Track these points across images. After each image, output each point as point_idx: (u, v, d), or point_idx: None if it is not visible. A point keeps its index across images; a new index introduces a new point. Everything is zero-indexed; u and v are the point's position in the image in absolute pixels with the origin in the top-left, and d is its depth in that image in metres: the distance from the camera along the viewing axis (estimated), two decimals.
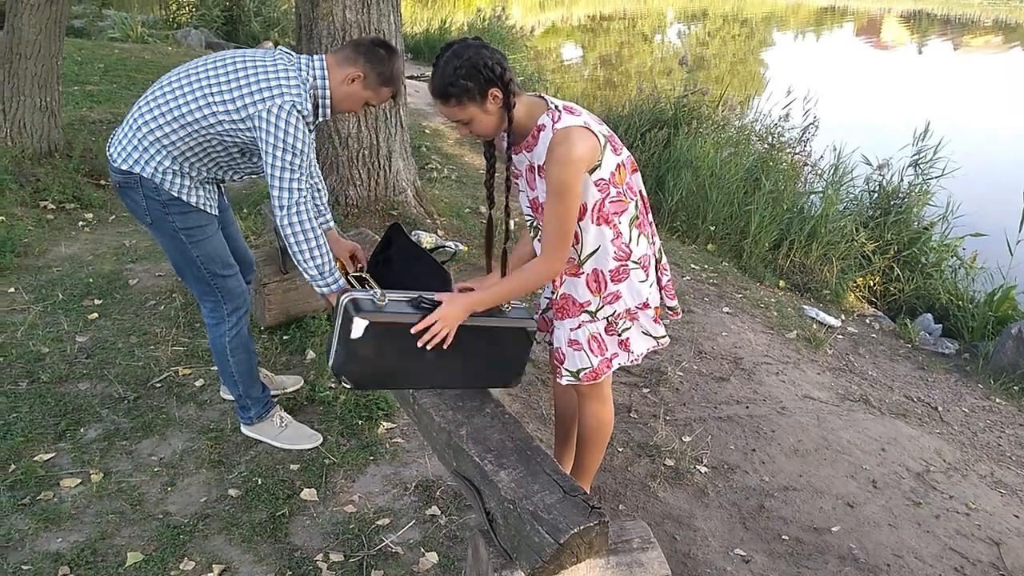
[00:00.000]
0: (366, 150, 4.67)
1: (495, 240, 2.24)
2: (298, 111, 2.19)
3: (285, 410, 2.94)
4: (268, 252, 3.56)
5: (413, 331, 1.95)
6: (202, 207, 2.46)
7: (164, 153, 2.31)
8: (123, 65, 8.65)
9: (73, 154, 5.41)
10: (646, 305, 2.12)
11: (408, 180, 4.95)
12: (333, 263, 2.31)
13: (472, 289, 2.12)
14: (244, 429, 2.84)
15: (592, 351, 2.13)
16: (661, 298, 2.20)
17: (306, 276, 2.29)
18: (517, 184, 2.16)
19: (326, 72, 2.29)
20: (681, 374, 3.70)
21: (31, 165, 5.15)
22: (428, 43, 13.16)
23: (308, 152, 2.25)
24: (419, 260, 2.52)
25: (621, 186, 2.00)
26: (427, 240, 4.55)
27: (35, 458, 2.64)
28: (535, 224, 2.14)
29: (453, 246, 4.61)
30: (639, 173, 2.10)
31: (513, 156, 2.09)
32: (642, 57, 18.39)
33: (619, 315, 2.11)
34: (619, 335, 2.13)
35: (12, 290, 3.82)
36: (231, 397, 3.03)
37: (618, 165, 1.98)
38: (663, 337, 2.20)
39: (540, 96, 2.00)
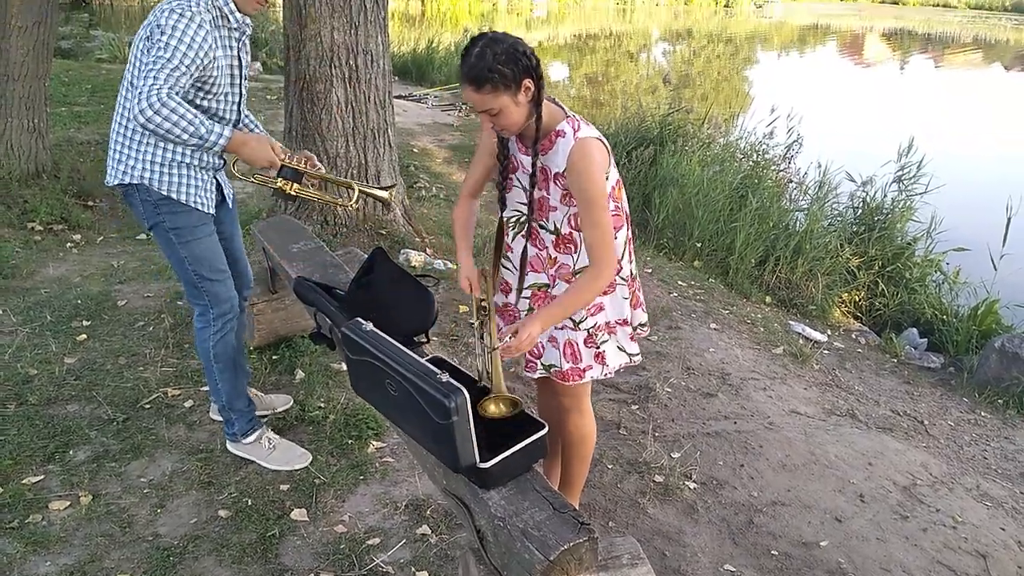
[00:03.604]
0: (354, 169, 4.69)
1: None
2: (180, 13, 2.21)
3: (274, 430, 2.93)
4: (256, 272, 3.56)
5: (501, 346, 1.96)
6: (195, 205, 2.47)
7: (147, 144, 2.36)
8: (111, 86, 8.67)
9: (61, 175, 5.41)
10: (626, 322, 2.16)
11: (396, 199, 4.97)
12: (209, 121, 2.27)
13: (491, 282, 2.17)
14: (230, 446, 2.84)
15: (565, 355, 2.16)
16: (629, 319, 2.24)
17: (194, 141, 2.26)
18: (512, 180, 2.14)
19: None
20: (669, 390, 3.73)
21: (18, 186, 5.15)
22: (416, 63, 13.27)
23: (198, 54, 2.23)
24: (401, 282, 2.53)
25: (619, 202, 2.05)
26: (416, 259, 4.57)
27: (23, 481, 2.62)
28: (521, 220, 2.13)
29: (441, 265, 4.63)
30: (624, 192, 2.14)
31: (519, 155, 2.08)
32: (628, 75, 18.57)
33: (599, 327, 2.13)
34: (596, 348, 2.15)
35: (0, 312, 3.80)
36: (220, 418, 3.03)
37: (617, 181, 2.04)
38: (636, 355, 2.23)
39: (555, 101, 2.01)
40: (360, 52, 4.51)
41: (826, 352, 4.68)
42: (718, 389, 3.82)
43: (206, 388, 3.14)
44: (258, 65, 12.35)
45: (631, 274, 2.18)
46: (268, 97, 9.44)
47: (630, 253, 2.16)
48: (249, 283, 2.95)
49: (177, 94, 2.21)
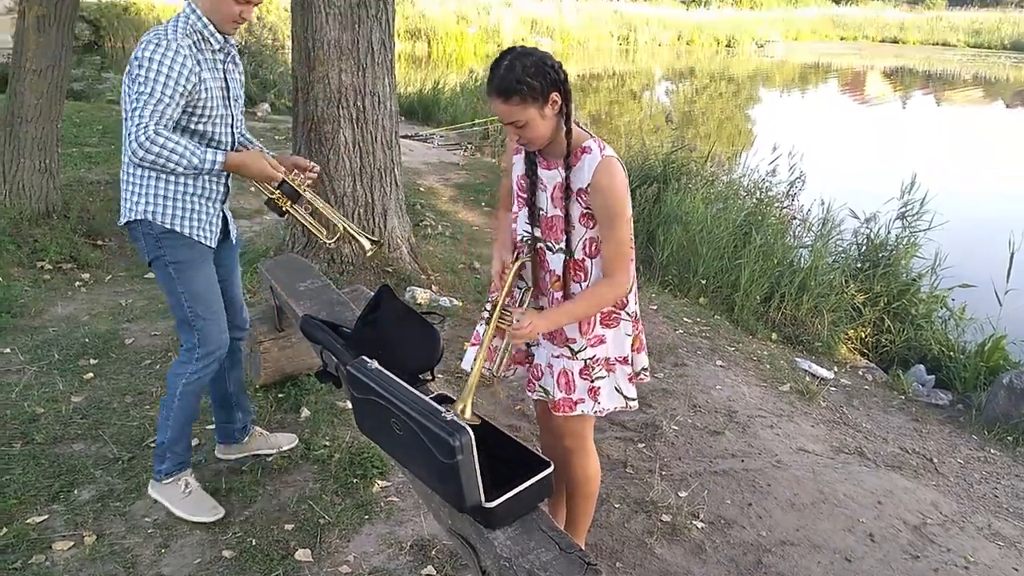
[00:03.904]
0: (361, 208, 4.74)
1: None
2: (156, 44, 2.24)
3: (280, 470, 2.93)
4: (263, 310, 3.59)
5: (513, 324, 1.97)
6: (197, 238, 2.50)
7: (150, 178, 2.39)
8: (121, 127, 8.78)
9: (71, 214, 5.47)
10: (626, 360, 2.15)
11: (403, 237, 5.01)
12: (200, 147, 2.32)
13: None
14: (151, 487, 2.74)
15: (559, 384, 2.15)
16: (631, 361, 2.23)
17: (191, 170, 2.32)
18: (521, 197, 2.16)
19: (194, 5, 2.36)
20: (676, 428, 3.71)
21: (29, 226, 5.21)
22: (422, 103, 13.44)
23: (178, 81, 2.26)
24: (406, 320, 2.54)
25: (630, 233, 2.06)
26: (421, 296, 4.59)
27: (27, 520, 2.62)
28: (527, 240, 2.14)
29: (447, 302, 4.65)
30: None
31: (541, 171, 2.09)
32: (631, 114, 18.75)
33: (598, 360, 2.12)
34: (591, 381, 2.13)
35: (8, 351, 3.82)
36: (228, 457, 3.03)
37: (629, 217, 2.05)
38: (633, 400, 2.19)
39: (577, 123, 2.04)
40: (367, 93, 4.58)
41: (833, 389, 4.66)
42: (725, 427, 3.80)
43: (211, 427, 3.14)
44: (266, 106, 12.53)
45: (636, 314, 2.19)
46: (276, 137, 9.56)
47: (635, 292, 2.17)
48: (244, 324, 2.92)
49: (165, 127, 2.26)
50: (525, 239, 2.17)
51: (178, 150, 2.25)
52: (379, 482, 2.98)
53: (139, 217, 2.43)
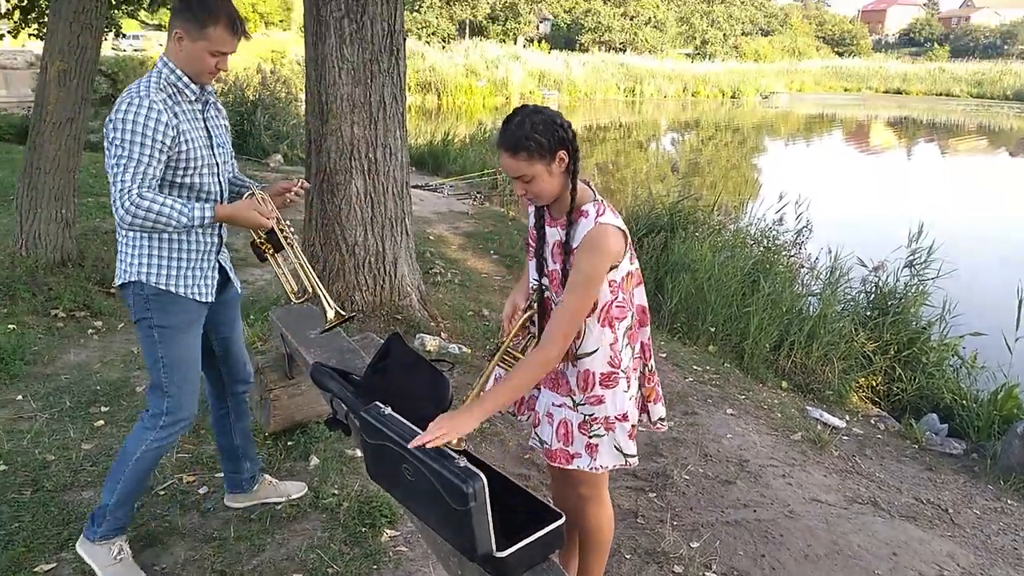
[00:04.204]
0: (372, 257, 4.79)
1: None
2: (129, 102, 2.22)
3: (289, 518, 2.91)
4: (274, 357, 3.61)
5: (411, 445, 1.86)
6: (193, 295, 2.46)
7: (143, 238, 2.37)
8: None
9: (85, 263, 5.55)
10: (625, 417, 2.14)
11: (413, 284, 5.05)
12: (187, 204, 2.30)
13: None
14: (80, 543, 2.60)
15: (557, 434, 2.16)
16: (648, 412, 2.25)
17: (181, 228, 2.31)
18: (531, 248, 2.21)
19: (167, 59, 2.34)
20: (687, 477, 3.68)
21: (44, 274, 5.28)
22: (432, 155, 13.64)
23: (155, 138, 2.23)
24: (416, 367, 2.55)
25: (627, 294, 2.08)
26: (431, 343, 4.61)
27: (35, 568, 2.61)
28: (536, 289, 2.19)
29: (456, 349, 4.66)
30: (643, 286, 2.17)
31: (547, 227, 2.14)
32: (638, 164, 18.97)
33: (596, 419, 2.12)
34: (589, 437, 2.14)
35: (20, 398, 3.85)
36: (237, 505, 3.02)
37: (629, 273, 2.08)
38: (632, 457, 2.18)
39: (588, 183, 2.09)
40: (379, 145, 4.67)
41: (845, 438, 4.62)
42: (736, 476, 3.77)
43: (220, 474, 3.14)
44: (279, 157, 12.75)
45: (646, 369, 2.21)
46: None
47: (644, 348, 2.19)
48: (248, 377, 2.87)
49: (149, 187, 2.24)
50: (535, 288, 2.21)
51: (164, 211, 2.24)
52: (388, 531, 2.96)
53: (132, 279, 2.40)
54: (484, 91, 32.62)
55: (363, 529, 2.95)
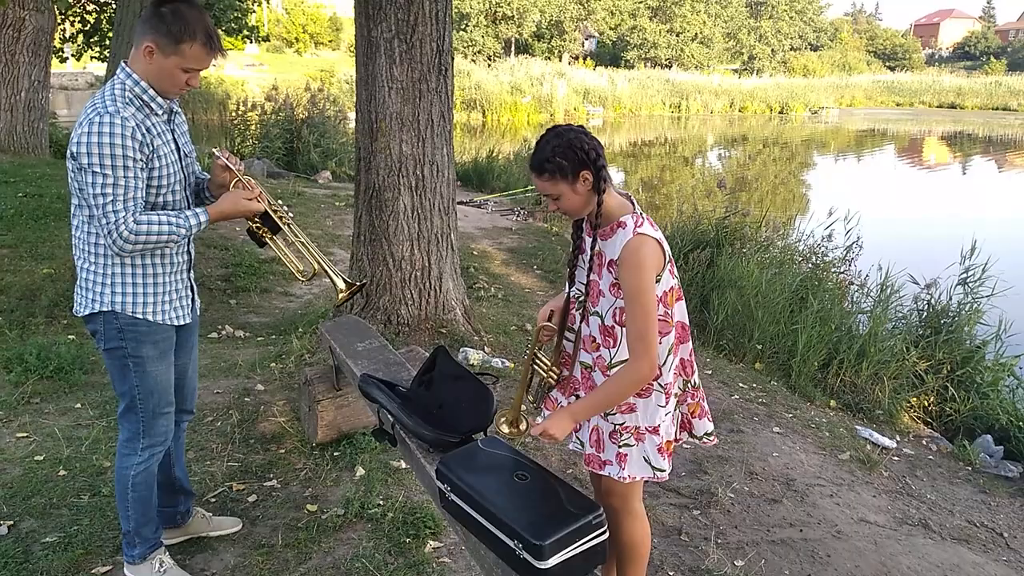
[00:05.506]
0: (418, 272, 4.87)
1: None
2: (98, 122, 2.10)
3: (334, 528, 2.96)
4: (322, 370, 3.68)
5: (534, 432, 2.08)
6: (170, 321, 2.40)
7: (114, 267, 2.27)
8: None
9: None
10: (656, 430, 2.14)
11: (457, 299, 5.11)
12: (180, 215, 2.26)
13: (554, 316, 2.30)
14: (126, 569, 2.60)
15: (590, 440, 2.20)
16: (691, 427, 2.26)
17: (181, 240, 2.29)
18: (579, 260, 2.26)
19: (130, 69, 2.21)
20: (732, 495, 3.64)
21: None
22: (476, 171, 13.78)
23: (130, 156, 2.13)
24: (461, 380, 2.59)
25: (670, 308, 2.10)
26: (474, 357, 4.65)
27: (93, 571, 2.70)
28: (582, 300, 2.22)
29: (499, 363, 4.70)
30: (683, 302, 2.18)
31: (587, 237, 2.18)
32: (683, 179, 18.87)
33: (627, 428, 2.14)
34: (619, 447, 2.15)
35: (79, 406, 3.99)
36: (170, 541, 2.85)
37: (671, 288, 2.10)
38: (662, 471, 2.17)
39: (629, 197, 2.14)
40: (426, 163, 4.75)
41: (895, 458, 4.52)
42: (783, 495, 3.72)
43: (269, 484, 3.21)
44: (328, 174, 13.00)
45: (689, 384, 2.21)
46: (336, 204, 9.88)
47: (684, 364, 2.20)
48: (192, 408, 2.77)
49: (140, 210, 2.18)
50: (576, 296, 2.25)
51: (164, 230, 2.20)
52: (431, 542, 2.99)
53: (106, 309, 2.28)
54: (528, 108, 32.79)
55: (407, 540, 2.99)
